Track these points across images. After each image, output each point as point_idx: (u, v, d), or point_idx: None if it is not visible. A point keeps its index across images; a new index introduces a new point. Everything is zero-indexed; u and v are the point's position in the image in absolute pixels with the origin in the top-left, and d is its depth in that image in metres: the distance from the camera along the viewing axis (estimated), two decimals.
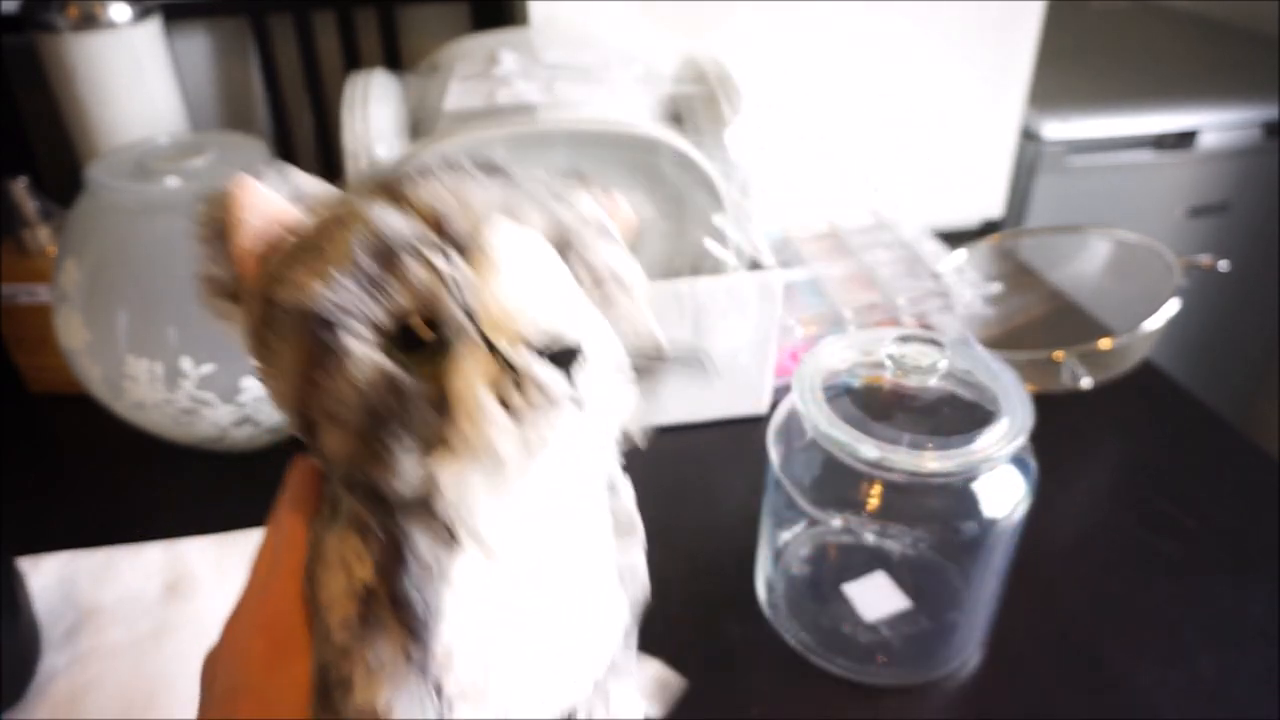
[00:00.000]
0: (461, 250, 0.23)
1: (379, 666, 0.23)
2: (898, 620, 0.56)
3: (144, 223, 0.63)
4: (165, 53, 0.82)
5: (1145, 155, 1.15)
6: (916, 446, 0.48)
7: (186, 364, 0.62)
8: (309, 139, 0.99)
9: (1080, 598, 0.59)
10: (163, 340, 0.62)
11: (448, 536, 0.24)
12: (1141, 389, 0.79)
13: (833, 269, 0.82)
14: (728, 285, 0.68)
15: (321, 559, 0.26)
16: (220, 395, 0.64)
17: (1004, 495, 0.50)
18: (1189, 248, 1.17)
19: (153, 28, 0.80)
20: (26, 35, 0.79)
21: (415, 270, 0.22)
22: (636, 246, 0.28)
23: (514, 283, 0.22)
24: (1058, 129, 1.10)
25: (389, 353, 0.22)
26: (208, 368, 0.63)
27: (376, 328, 0.22)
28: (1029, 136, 1.09)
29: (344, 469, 0.24)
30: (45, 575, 0.58)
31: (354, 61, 0.95)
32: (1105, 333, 0.74)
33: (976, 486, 0.49)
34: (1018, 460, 0.51)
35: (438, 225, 0.23)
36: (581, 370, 0.22)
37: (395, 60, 0.96)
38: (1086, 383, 0.72)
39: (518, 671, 0.25)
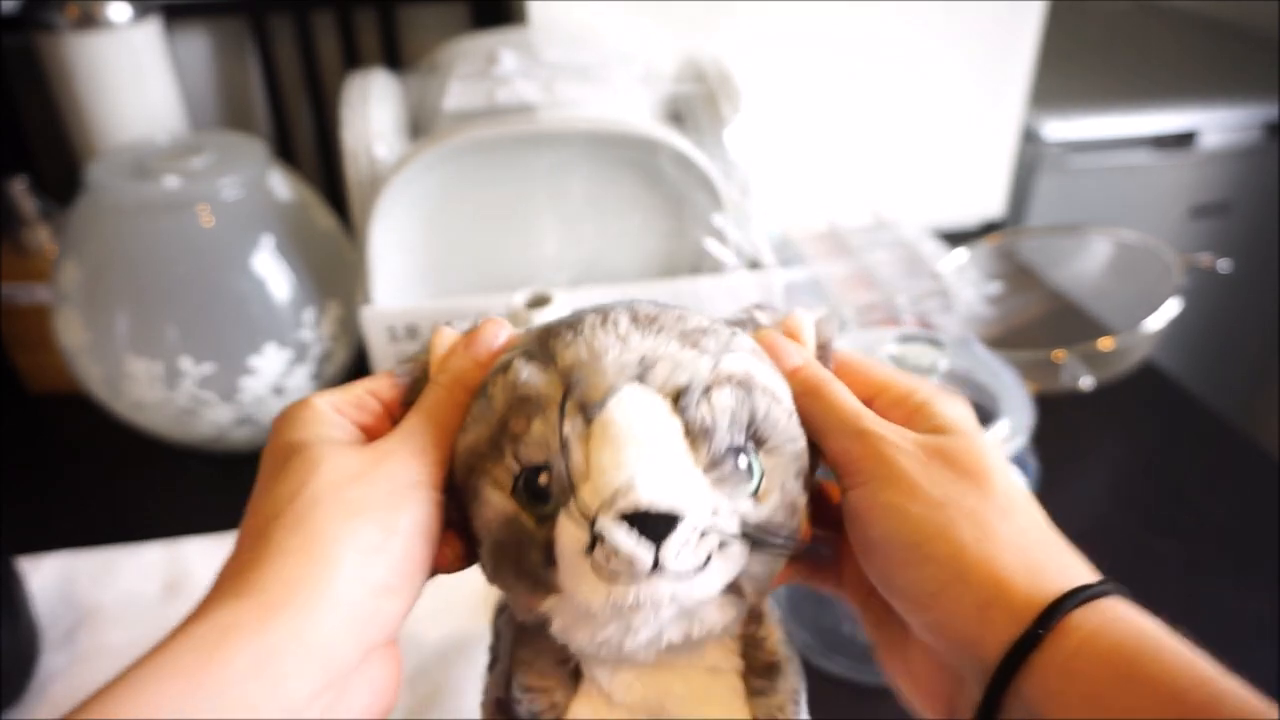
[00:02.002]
0: (585, 414, 0.25)
1: None
2: None
3: (144, 223, 0.63)
4: (165, 52, 0.82)
5: (1145, 155, 1.15)
6: None
7: (186, 364, 0.62)
8: (309, 139, 0.99)
9: None
10: (163, 340, 0.62)
11: (566, 666, 0.28)
12: (1142, 389, 0.79)
13: (833, 269, 0.82)
14: (728, 285, 0.68)
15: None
16: (220, 395, 0.64)
17: None
18: (1189, 248, 1.17)
19: (152, 28, 0.80)
20: (26, 35, 0.79)
21: (539, 429, 0.25)
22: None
23: (618, 454, 0.24)
24: (1058, 129, 1.10)
25: (516, 495, 0.25)
26: (207, 368, 0.63)
27: (510, 473, 0.26)
28: (1029, 136, 1.09)
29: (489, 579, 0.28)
30: (45, 575, 0.58)
31: (354, 61, 0.95)
32: (1105, 333, 0.74)
33: None
34: (1018, 460, 0.51)
35: (569, 387, 0.25)
36: (673, 539, 0.23)
37: (395, 60, 0.96)
38: (1087, 383, 0.72)
39: None
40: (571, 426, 0.25)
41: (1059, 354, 0.72)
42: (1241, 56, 1.29)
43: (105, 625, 0.55)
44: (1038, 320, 0.85)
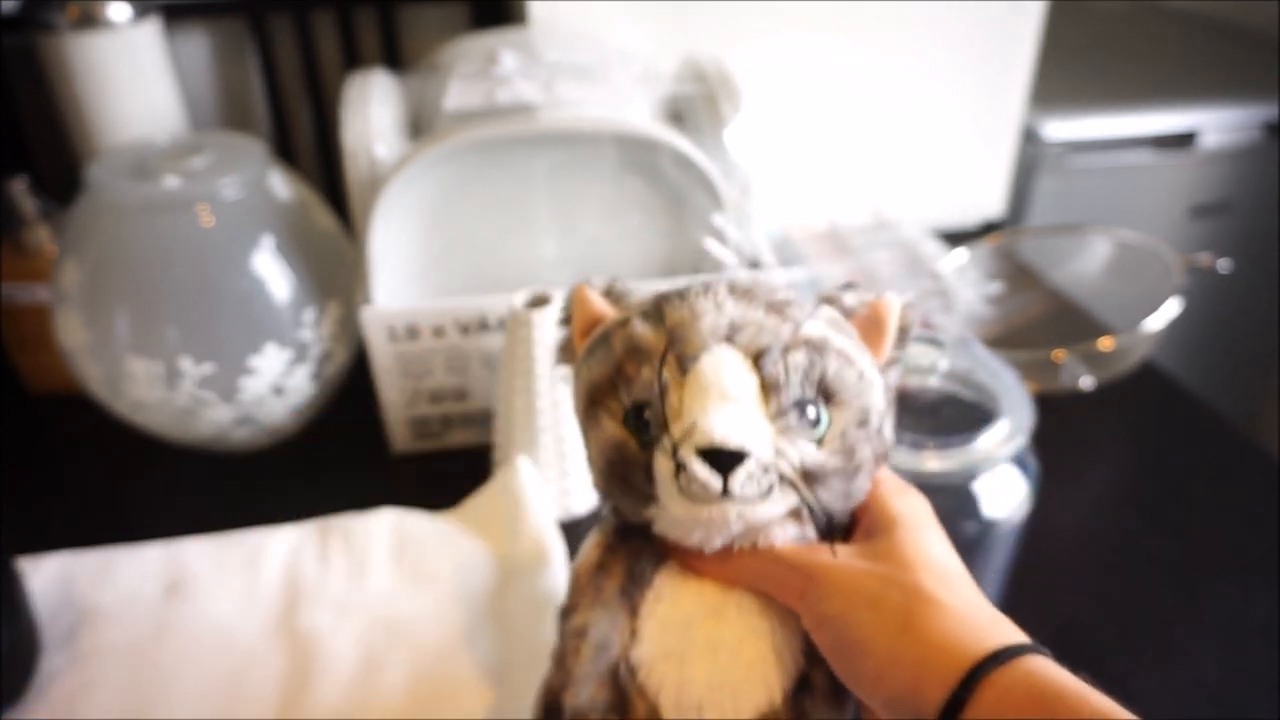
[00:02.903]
0: (681, 366, 0.31)
1: (597, 592, 0.34)
2: None
3: (144, 223, 0.63)
4: (165, 53, 0.82)
5: (1145, 155, 1.15)
6: (916, 446, 0.48)
7: (186, 364, 0.62)
8: (309, 139, 0.99)
9: (1080, 598, 0.59)
10: (163, 340, 0.62)
11: (657, 551, 0.34)
12: (1142, 389, 0.79)
13: (833, 269, 0.82)
14: None
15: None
16: (220, 395, 0.64)
17: (1004, 495, 0.50)
18: (1189, 248, 1.17)
19: (152, 28, 0.80)
20: (26, 35, 0.79)
21: (646, 374, 0.31)
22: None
23: (702, 400, 0.30)
24: (1058, 129, 1.10)
25: (625, 425, 0.32)
26: (207, 367, 0.63)
27: (622, 406, 0.32)
28: (1029, 136, 1.09)
29: (600, 495, 0.35)
30: (45, 575, 0.58)
31: (354, 61, 0.95)
32: (1105, 333, 0.74)
33: (976, 486, 0.49)
34: (1018, 460, 0.51)
35: (671, 341, 0.31)
36: (739, 472, 0.29)
37: (395, 60, 0.96)
38: (1087, 383, 0.72)
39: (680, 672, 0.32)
40: (670, 374, 0.30)
41: (1059, 354, 0.72)
42: (1241, 56, 1.29)
43: (105, 625, 0.55)
44: (1038, 320, 0.85)
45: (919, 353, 0.52)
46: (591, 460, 0.34)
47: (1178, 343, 1.24)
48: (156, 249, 0.62)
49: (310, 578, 0.58)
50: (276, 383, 0.65)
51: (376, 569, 0.58)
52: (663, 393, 0.30)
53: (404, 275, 0.68)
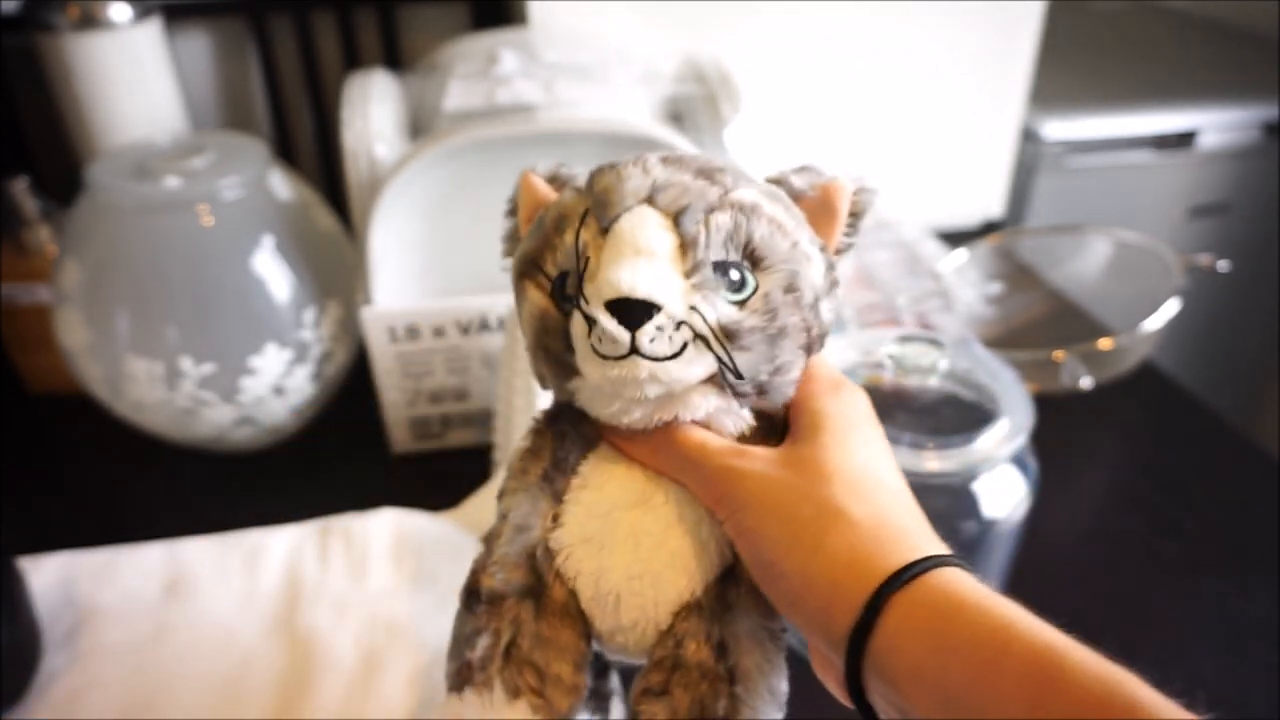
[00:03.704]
0: (600, 226, 0.30)
1: (523, 474, 0.33)
2: None
3: (144, 223, 0.63)
4: (165, 53, 0.82)
5: (1145, 155, 1.15)
6: (917, 446, 0.48)
7: (186, 364, 0.62)
8: (309, 139, 0.99)
9: (1080, 597, 0.59)
10: (163, 340, 0.62)
11: (587, 436, 0.33)
12: (1142, 389, 0.79)
13: None
14: None
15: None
16: (220, 395, 0.64)
17: (1004, 495, 0.50)
18: (1189, 248, 1.17)
19: (153, 28, 0.80)
20: (26, 35, 0.79)
21: (568, 239, 0.30)
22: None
23: (617, 258, 0.28)
24: (1058, 129, 1.10)
25: (550, 295, 0.31)
26: (208, 368, 0.63)
27: (548, 278, 0.31)
28: (1029, 136, 1.09)
29: (539, 381, 0.34)
30: (45, 575, 0.58)
31: (354, 61, 0.95)
32: (1105, 333, 0.74)
33: (976, 486, 0.49)
34: (1018, 460, 0.51)
35: (593, 204, 0.30)
36: (647, 326, 0.28)
37: (395, 60, 0.96)
38: (1086, 383, 0.72)
39: (598, 559, 0.32)
40: (588, 236, 0.30)
41: (1059, 354, 0.72)
42: (1241, 56, 1.29)
43: (105, 625, 0.55)
44: (1038, 320, 0.85)
45: (919, 353, 0.52)
46: (525, 342, 0.33)
47: (1177, 343, 1.24)
48: (156, 249, 0.62)
49: (310, 578, 0.58)
50: (277, 383, 0.65)
51: (376, 569, 0.58)
52: (580, 254, 0.29)
53: (404, 275, 0.68)
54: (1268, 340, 1.31)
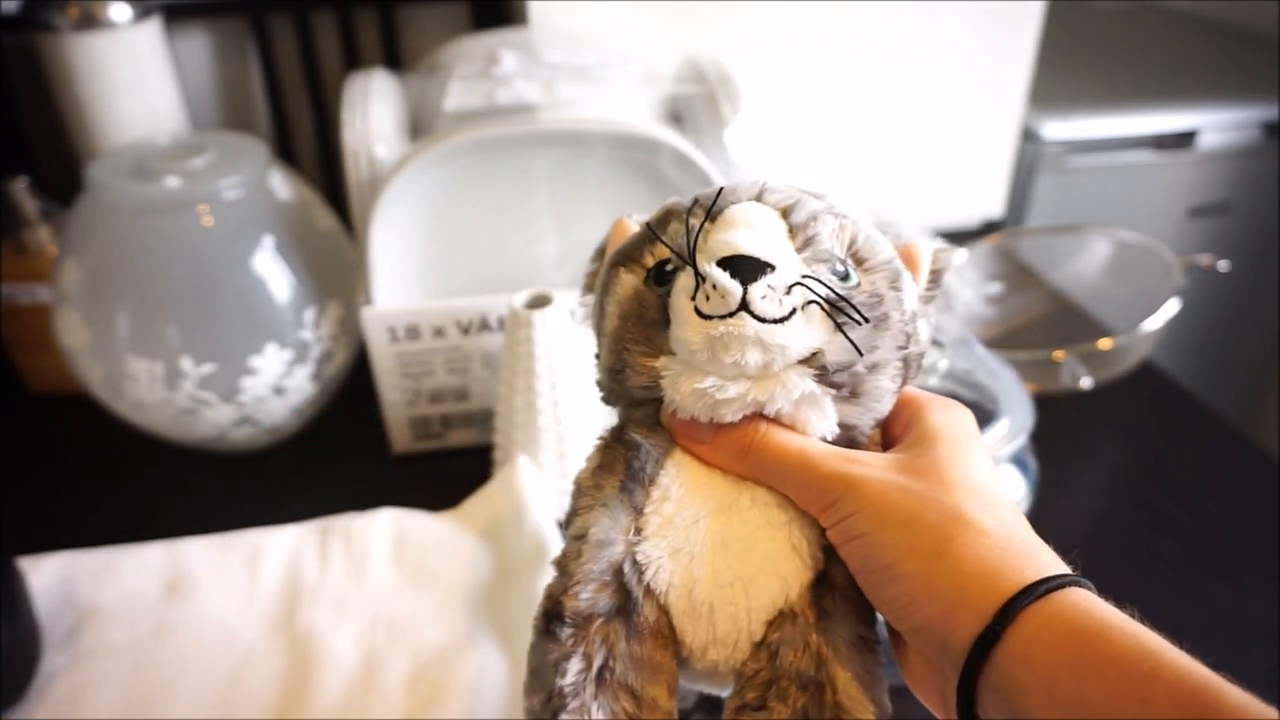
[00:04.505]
0: (710, 216, 0.30)
1: (597, 491, 0.31)
2: None
3: (144, 223, 0.63)
4: (165, 53, 0.82)
5: (1145, 155, 1.15)
6: None
7: (186, 364, 0.62)
8: (309, 139, 0.99)
9: None
10: (163, 340, 0.62)
11: (662, 445, 0.32)
12: (1141, 389, 0.79)
13: None
14: None
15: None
16: (220, 395, 0.64)
17: None
18: (1189, 248, 1.17)
19: (153, 28, 0.80)
20: (26, 35, 0.79)
21: (675, 227, 0.31)
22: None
23: (729, 229, 0.29)
24: (1058, 129, 1.10)
25: (645, 280, 0.31)
26: (208, 368, 0.63)
27: (644, 268, 0.31)
28: (1029, 136, 1.09)
29: (608, 385, 0.33)
30: (45, 575, 0.58)
31: (354, 61, 0.95)
32: (1105, 333, 0.74)
33: None
34: (1018, 460, 0.51)
35: (700, 202, 0.31)
36: (760, 281, 0.27)
37: (395, 60, 0.96)
38: (1086, 383, 0.72)
39: (690, 569, 0.30)
40: (696, 222, 0.30)
41: (1059, 354, 0.72)
42: (1241, 56, 1.29)
43: (105, 625, 0.55)
44: (1038, 320, 0.85)
45: None
46: (603, 340, 0.32)
47: (1177, 343, 1.24)
48: (156, 249, 0.63)
49: (310, 578, 0.58)
50: (277, 383, 0.65)
51: (376, 569, 0.58)
52: (690, 231, 0.29)
53: (404, 275, 0.68)
54: (1268, 340, 1.31)
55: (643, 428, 0.32)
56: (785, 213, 0.30)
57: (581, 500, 0.32)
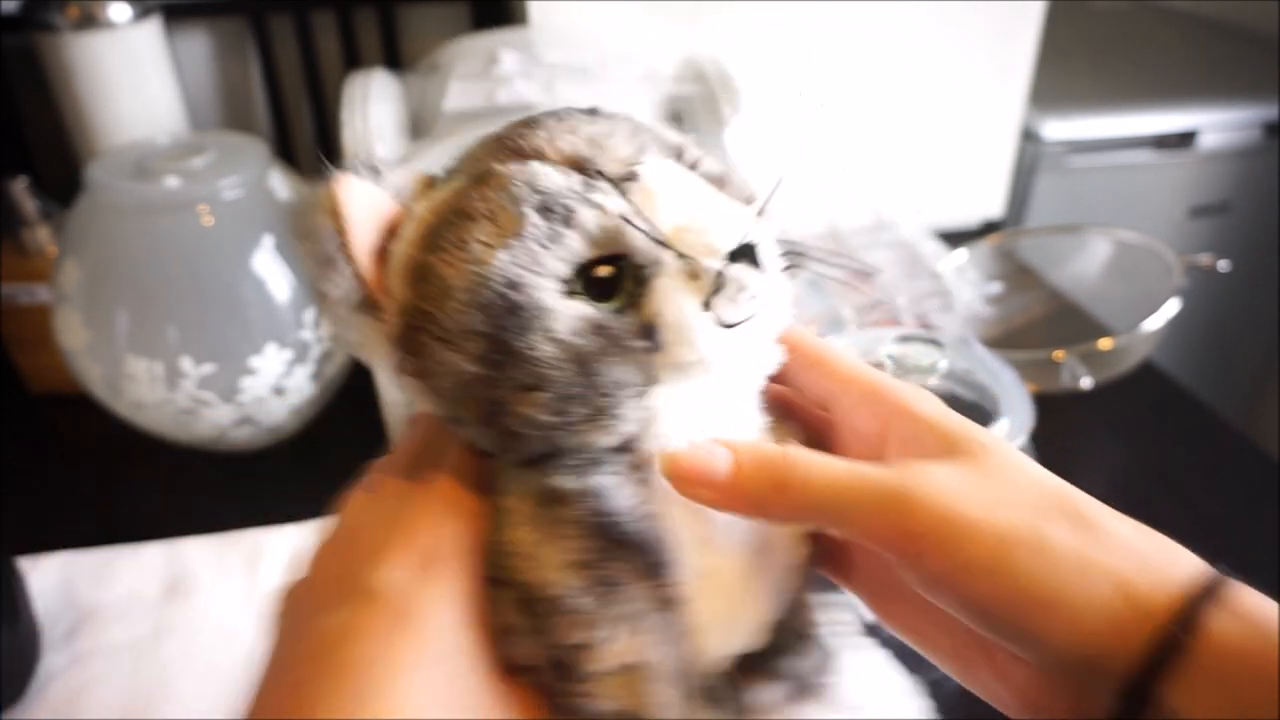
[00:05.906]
0: (620, 189, 0.22)
1: (634, 614, 0.22)
2: None
3: (144, 223, 0.63)
4: (165, 53, 0.82)
5: (1145, 155, 1.15)
6: None
7: (186, 364, 0.62)
8: (309, 139, 0.99)
9: None
10: (163, 340, 0.62)
11: (651, 475, 0.24)
12: (1142, 389, 0.79)
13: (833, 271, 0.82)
14: None
15: (512, 550, 0.23)
16: (220, 395, 0.64)
17: None
18: (1189, 248, 1.16)
19: (153, 28, 0.80)
20: (26, 35, 0.79)
21: (588, 217, 0.22)
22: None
23: (680, 206, 0.23)
24: (1058, 129, 1.10)
25: (576, 295, 0.22)
26: (208, 368, 0.63)
27: (561, 281, 0.22)
28: (1029, 136, 1.09)
29: (540, 439, 0.22)
30: (45, 575, 0.58)
31: (354, 61, 0.95)
32: (1105, 333, 0.74)
33: None
34: None
35: (584, 171, 0.23)
36: (763, 266, 0.23)
37: (395, 60, 0.96)
38: (1086, 383, 0.72)
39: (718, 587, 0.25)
40: (628, 201, 0.23)
41: (1059, 354, 0.72)
42: (1241, 56, 1.29)
43: (105, 625, 0.55)
44: (1038, 320, 0.85)
45: (919, 353, 0.52)
46: (524, 400, 0.22)
47: (1177, 343, 1.24)
48: (156, 249, 0.63)
49: None
50: (277, 383, 0.65)
51: None
52: (635, 221, 0.22)
53: None
54: (1268, 340, 1.31)
55: (584, 479, 0.23)
56: (679, 157, 0.25)
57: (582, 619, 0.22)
